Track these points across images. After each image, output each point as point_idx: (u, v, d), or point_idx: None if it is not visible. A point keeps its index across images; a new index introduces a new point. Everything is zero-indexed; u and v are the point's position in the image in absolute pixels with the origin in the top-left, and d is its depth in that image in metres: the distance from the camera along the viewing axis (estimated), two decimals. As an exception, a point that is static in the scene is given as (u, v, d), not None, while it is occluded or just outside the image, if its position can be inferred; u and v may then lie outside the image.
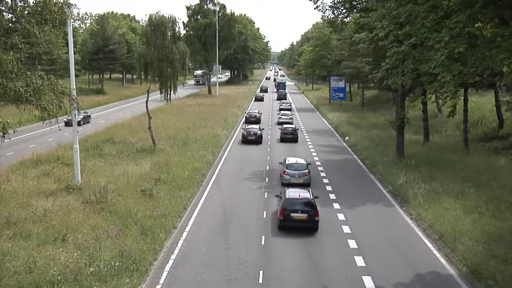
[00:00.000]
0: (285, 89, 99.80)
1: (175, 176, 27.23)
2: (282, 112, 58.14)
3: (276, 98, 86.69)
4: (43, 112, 18.78)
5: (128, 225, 19.23)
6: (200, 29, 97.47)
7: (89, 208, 21.15)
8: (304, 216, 20.09)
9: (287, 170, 27.47)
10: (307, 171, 27.58)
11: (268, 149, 38.93)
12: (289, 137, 42.24)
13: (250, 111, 57.73)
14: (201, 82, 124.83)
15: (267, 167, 32.24)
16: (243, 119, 54.42)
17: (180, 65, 40.98)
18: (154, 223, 19.61)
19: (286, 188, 22.49)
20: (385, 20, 27.88)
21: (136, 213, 20.47)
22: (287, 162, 28.27)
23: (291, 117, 54.37)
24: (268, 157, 35.37)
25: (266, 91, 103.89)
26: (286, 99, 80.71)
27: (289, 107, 68.01)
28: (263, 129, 45.00)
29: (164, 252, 17.92)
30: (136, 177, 26.65)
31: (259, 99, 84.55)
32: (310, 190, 22.54)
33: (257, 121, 50.09)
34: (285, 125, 45.03)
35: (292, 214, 20.01)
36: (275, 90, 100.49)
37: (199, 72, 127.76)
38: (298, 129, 45.24)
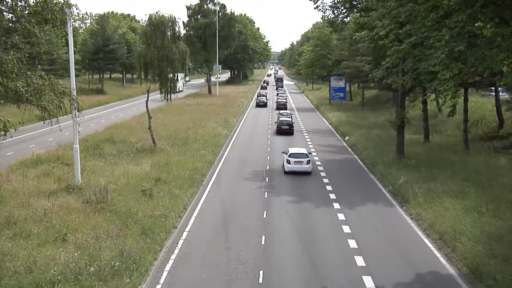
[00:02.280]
0: (282, 82, 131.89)
1: (175, 176, 27.23)
2: (279, 94, 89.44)
3: (275, 88, 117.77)
4: (43, 112, 18.76)
5: (128, 225, 19.22)
6: (200, 29, 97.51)
7: (89, 208, 21.14)
8: (287, 127, 47.30)
9: (280, 115, 53.82)
10: (290, 116, 54.00)
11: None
12: (282, 106, 70.59)
13: (260, 91, 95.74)
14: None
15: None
16: (255, 97, 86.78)
17: (180, 65, 40.87)
18: (154, 223, 19.61)
19: (280, 116, 52.28)
20: (385, 19, 27.86)
21: (136, 213, 20.47)
22: (280, 112, 57.22)
23: (285, 97, 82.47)
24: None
25: (268, 83, 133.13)
26: (282, 87, 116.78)
27: (283, 89, 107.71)
28: (268, 99, 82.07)
29: (164, 252, 17.91)
30: (136, 177, 26.63)
31: (264, 88, 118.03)
32: (291, 117, 52.98)
33: (265, 96, 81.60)
34: (279, 100, 76.03)
35: (281, 127, 47.32)
36: (275, 83, 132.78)
37: None
38: (287, 101, 78.38)
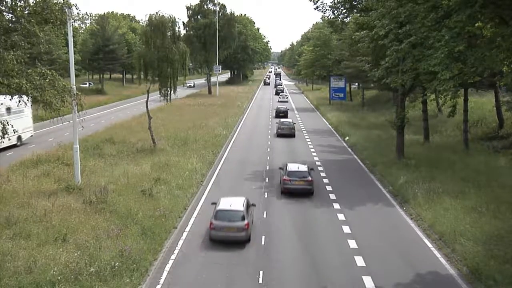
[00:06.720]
0: (280, 75, 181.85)
1: (175, 176, 27.23)
2: (276, 81, 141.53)
3: (275, 78, 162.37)
4: (48, 107, 18.70)
5: (128, 225, 19.23)
6: (200, 29, 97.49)
7: (89, 208, 21.14)
8: (281, 91, 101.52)
9: (277, 87, 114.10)
10: (283, 87, 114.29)
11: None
12: (278, 85, 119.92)
13: (265, 79, 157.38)
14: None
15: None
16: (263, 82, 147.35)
17: (180, 65, 41.00)
18: (154, 223, 19.62)
19: (277, 86, 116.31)
20: (385, 19, 27.84)
21: (136, 213, 20.47)
22: (277, 87, 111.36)
23: (281, 82, 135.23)
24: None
25: (269, 77, 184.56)
26: (279, 78, 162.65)
27: (280, 79, 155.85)
28: (270, 82, 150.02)
29: (164, 252, 17.93)
30: (136, 177, 26.63)
31: (267, 78, 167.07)
32: (284, 88, 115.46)
33: (268, 81, 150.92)
34: (276, 83, 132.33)
35: (278, 91, 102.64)
36: (275, 76, 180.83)
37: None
38: (282, 84, 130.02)
